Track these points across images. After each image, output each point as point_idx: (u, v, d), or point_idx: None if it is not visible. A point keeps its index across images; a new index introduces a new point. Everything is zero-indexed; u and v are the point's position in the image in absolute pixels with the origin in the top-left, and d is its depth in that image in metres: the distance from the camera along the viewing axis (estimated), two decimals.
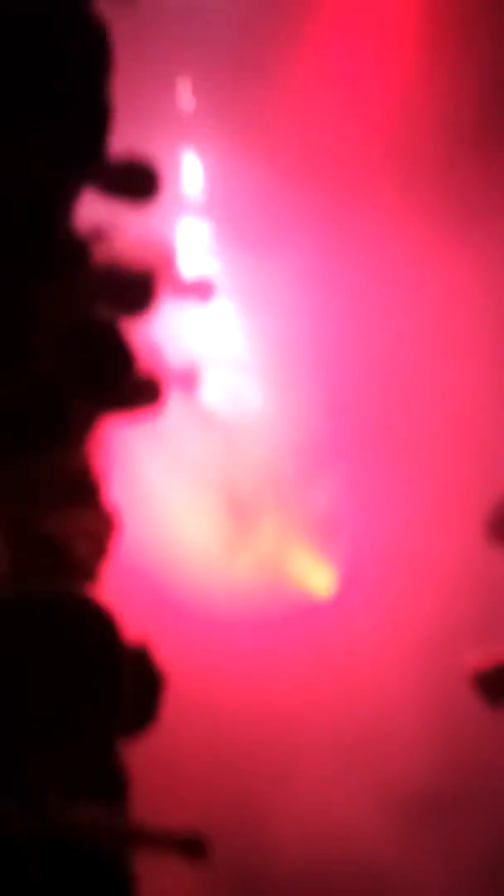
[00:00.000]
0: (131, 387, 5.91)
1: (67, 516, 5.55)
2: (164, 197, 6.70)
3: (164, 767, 6.04)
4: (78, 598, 3.53)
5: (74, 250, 5.37)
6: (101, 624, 3.46)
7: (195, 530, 8.98)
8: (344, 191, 8.77)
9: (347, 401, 8.89)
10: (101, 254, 6.10)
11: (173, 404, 6.59)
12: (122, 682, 3.50)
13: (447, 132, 8.88)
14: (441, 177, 8.81)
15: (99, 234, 6.22)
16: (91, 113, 4.99)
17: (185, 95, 8.84)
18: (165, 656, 5.14)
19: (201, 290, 8.92)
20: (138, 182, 6.78)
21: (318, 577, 9.20)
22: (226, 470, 9.16)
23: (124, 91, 5.44)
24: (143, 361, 5.98)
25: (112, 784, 4.87)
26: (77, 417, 5.14)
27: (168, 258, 8.25)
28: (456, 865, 7.82)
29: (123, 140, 5.81)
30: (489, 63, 8.90)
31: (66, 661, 3.37)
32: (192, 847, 5.33)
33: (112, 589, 5.57)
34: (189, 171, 9.11)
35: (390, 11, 8.98)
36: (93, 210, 5.95)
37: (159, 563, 8.48)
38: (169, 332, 8.07)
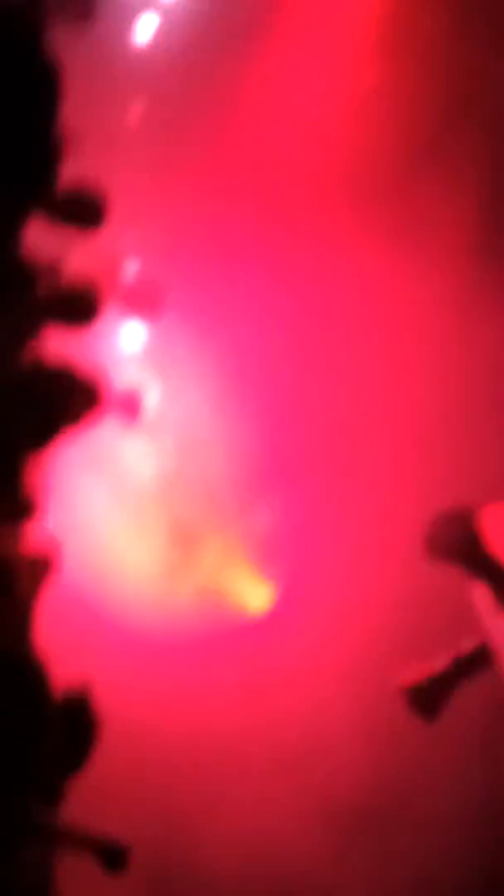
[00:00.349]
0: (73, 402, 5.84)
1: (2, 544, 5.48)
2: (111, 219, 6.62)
3: (99, 790, 5.97)
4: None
5: (23, 279, 5.30)
6: (25, 678, 3.37)
7: (135, 553, 8.94)
8: (296, 211, 8.77)
9: (288, 422, 8.89)
10: (48, 275, 6.03)
11: (113, 428, 6.53)
12: (46, 736, 3.43)
13: (403, 156, 8.92)
14: (395, 197, 8.85)
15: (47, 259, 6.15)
16: (41, 142, 4.93)
17: (134, 117, 8.77)
18: (102, 679, 5.08)
19: (148, 303, 8.85)
20: (86, 210, 6.72)
21: (254, 594, 9.21)
22: (166, 492, 9.14)
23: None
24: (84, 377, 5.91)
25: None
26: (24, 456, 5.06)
27: (114, 271, 8.18)
28: (391, 882, 7.85)
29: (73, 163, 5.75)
30: (447, 88, 8.94)
31: None
32: (112, 856, 5.30)
33: (50, 615, 5.51)
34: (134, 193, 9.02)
35: (346, 36, 8.98)
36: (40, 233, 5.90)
37: (98, 585, 8.43)
38: (110, 355, 8.06)
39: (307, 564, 8.89)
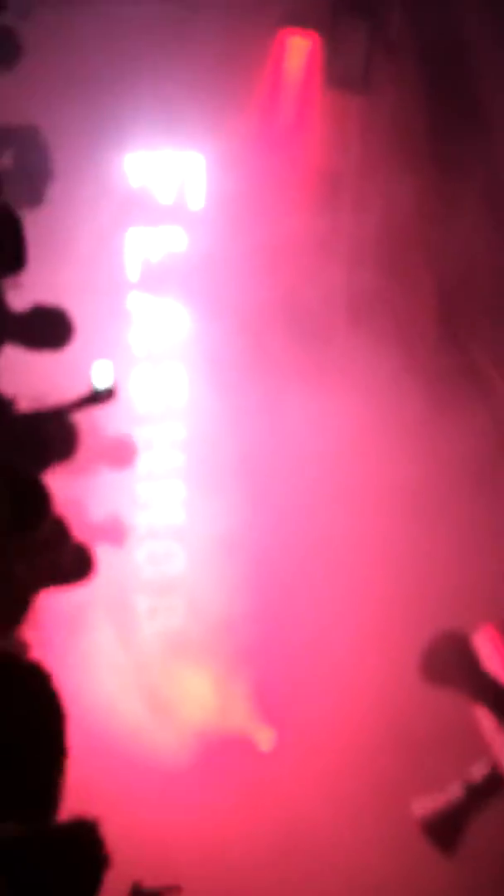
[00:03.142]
0: (64, 559, 5.90)
1: None
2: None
3: None
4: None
5: None
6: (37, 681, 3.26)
7: (138, 688, 9.01)
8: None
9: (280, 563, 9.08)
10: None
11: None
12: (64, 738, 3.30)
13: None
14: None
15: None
16: None
17: None
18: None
19: (122, 453, 9.03)
20: (50, 330, 6.93)
21: (259, 733, 9.25)
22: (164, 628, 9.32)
23: None
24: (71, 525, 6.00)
25: None
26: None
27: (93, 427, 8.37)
28: None
29: None
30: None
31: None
32: None
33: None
34: None
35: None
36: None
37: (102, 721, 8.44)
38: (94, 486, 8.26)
39: (308, 698, 8.91)
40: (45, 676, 3.19)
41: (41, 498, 5.15)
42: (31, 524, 5.12)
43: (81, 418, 7.00)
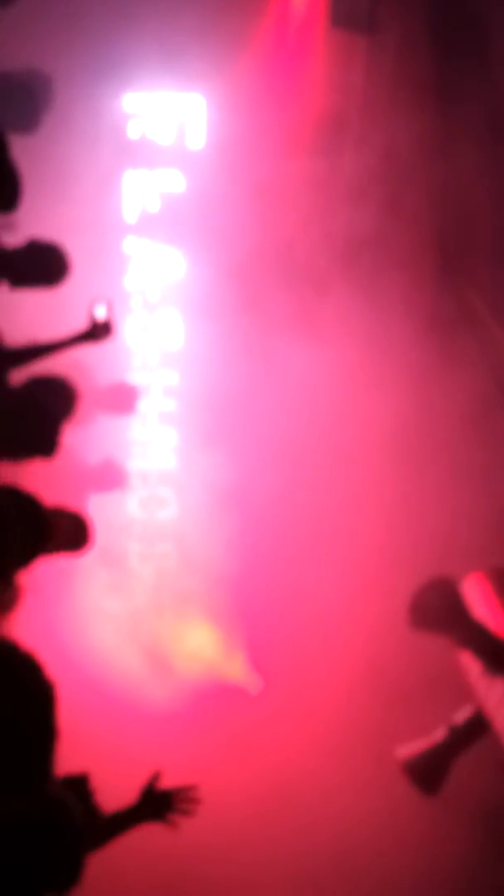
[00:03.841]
0: (60, 530, 5.96)
1: None
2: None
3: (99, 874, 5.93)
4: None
5: None
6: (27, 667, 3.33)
7: (129, 633, 9.13)
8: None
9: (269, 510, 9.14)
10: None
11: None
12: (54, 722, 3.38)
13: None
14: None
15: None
16: None
17: None
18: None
19: (123, 398, 9.02)
20: (44, 266, 6.92)
21: (246, 677, 9.35)
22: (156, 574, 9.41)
23: None
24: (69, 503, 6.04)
25: None
26: None
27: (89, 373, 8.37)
28: None
29: None
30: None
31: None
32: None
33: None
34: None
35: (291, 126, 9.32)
36: None
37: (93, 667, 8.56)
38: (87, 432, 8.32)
39: (298, 644, 9.02)
40: (37, 669, 3.24)
41: (45, 517, 5.17)
42: (44, 540, 5.17)
43: (77, 363, 7.04)
